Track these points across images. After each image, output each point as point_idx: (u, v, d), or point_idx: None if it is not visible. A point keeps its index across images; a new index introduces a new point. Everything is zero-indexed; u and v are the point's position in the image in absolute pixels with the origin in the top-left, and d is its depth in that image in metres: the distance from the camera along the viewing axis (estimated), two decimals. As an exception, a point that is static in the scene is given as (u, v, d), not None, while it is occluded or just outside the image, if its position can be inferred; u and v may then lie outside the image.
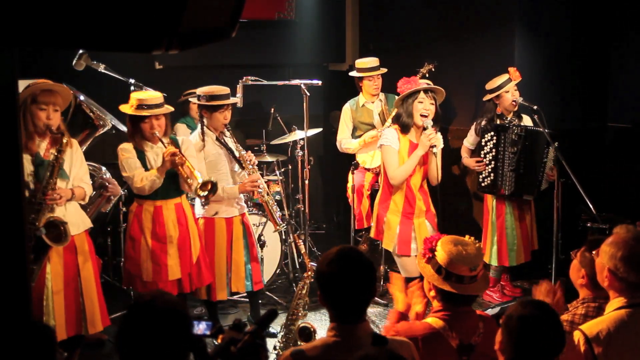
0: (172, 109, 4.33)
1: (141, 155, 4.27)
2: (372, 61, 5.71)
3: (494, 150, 5.17)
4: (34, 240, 3.70)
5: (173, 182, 4.32)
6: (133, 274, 4.34)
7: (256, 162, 4.66)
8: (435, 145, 4.31)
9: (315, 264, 2.47)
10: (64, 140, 3.84)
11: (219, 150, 4.59)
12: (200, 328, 1.87)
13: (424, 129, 4.34)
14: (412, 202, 4.49)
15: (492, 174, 5.22)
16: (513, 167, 5.12)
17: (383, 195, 4.59)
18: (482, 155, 5.25)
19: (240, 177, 4.68)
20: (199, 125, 4.57)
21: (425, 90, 4.38)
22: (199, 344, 1.86)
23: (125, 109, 4.23)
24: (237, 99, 4.65)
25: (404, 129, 4.41)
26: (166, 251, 4.31)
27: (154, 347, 1.89)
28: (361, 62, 5.71)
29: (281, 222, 4.67)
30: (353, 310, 2.27)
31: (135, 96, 4.24)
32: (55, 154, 3.82)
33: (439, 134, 4.48)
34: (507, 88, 5.17)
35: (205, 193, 4.21)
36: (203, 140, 4.53)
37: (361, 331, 2.26)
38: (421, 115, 4.33)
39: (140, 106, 4.18)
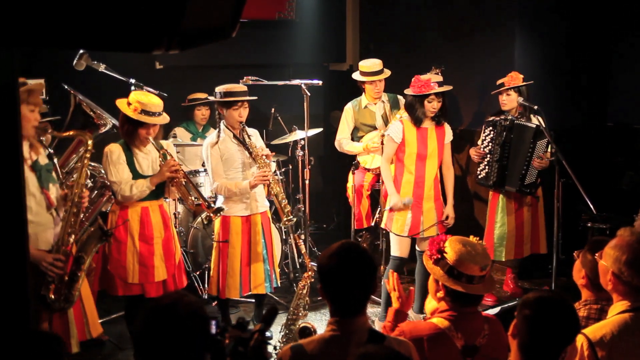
0: (168, 119, 4.29)
1: (129, 156, 4.22)
2: (375, 65, 5.61)
3: (490, 144, 5.25)
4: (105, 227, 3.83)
5: (159, 184, 4.28)
6: (116, 276, 4.25)
7: (270, 154, 4.59)
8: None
9: (316, 264, 2.48)
10: (89, 141, 3.80)
11: (236, 148, 4.55)
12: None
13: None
14: (421, 187, 4.76)
15: (486, 167, 5.28)
16: (497, 157, 5.17)
17: (395, 183, 4.87)
18: (482, 150, 5.31)
19: (254, 174, 4.59)
20: (219, 123, 4.54)
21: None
22: (218, 344, 1.85)
23: (125, 109, 4.13)
24: (254, 97, 4.64)
25: (417, 122, 4.73)
26: (153, 252, 4.27)
27: (176, 350, 1.86)
28: (364, 66, 5.63)
29: (290, 216, 4.58)
30: (352, 303, 2.30)
31: (137, 98, 4.14)
32: (86, 155, 3.79)
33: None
34: (498, 91, 5.26)
35: (212, 214, 4.37)
36: (218, 137, 4.52)
37: (359, 325, 2.28)
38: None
39: (143, 111, 4.10)
